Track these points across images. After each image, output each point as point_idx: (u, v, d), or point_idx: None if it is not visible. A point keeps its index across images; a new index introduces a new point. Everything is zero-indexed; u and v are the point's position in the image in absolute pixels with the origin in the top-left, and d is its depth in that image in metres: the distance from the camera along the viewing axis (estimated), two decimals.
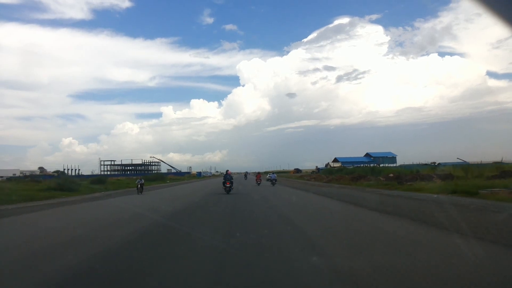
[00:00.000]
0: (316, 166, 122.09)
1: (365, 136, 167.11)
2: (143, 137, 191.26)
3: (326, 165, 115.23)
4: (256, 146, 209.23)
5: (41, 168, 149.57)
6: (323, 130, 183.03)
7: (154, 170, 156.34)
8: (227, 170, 29.69)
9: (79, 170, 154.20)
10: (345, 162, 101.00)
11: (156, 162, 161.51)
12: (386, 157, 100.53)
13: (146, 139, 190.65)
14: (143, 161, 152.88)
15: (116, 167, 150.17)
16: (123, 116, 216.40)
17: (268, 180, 44.42)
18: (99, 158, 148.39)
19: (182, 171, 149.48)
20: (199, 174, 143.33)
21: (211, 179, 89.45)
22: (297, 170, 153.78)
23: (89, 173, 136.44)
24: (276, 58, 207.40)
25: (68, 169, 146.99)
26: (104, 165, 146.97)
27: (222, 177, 29.04)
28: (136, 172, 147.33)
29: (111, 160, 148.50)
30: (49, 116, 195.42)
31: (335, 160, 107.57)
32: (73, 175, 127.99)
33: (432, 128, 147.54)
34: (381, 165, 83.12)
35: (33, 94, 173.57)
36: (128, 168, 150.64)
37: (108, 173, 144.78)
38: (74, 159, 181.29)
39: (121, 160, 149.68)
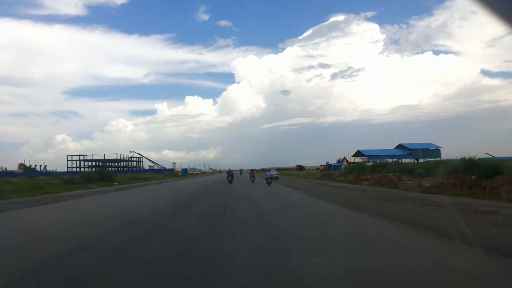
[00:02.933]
0: (327, 162, 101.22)
1: (360, 133, 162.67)
2: (137, 134, 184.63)
3: (341, 160, 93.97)
4: (251, 144, 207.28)
5: (21, 165, 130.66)
6: (318, 128, 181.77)
7: (135, 167, 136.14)
8: (230, 168, 38.73)
9: (45, 166, 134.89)
10: (373, 156, 79.13)
11: (137, 157, 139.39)
12: (428, 149, 79.00)
13: (140, 136, 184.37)
14: (120, 156, 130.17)
15: (87, 163, 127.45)
16: (117, 113, 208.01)
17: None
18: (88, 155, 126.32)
19: (167, 167, 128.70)
20: (184, 172, 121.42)
21: (198, 178, 68.02)
22: (300, 167, 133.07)
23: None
24: (271, 55, 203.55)
25: (36, 166, 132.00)
26: (72, 160, 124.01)
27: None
28: (110, 168, 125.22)
29: (79, 155, 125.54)
30: (43, 113, 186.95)
31: (358, 153, 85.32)
32: (38, 172, 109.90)
33: (426, 126, 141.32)
34: (421, 160, 62.11)
35: (27, 91, 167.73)
36: (100, 164, 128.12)
37: (77, 169, 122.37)
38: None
39: (92, 155, 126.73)
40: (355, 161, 76.81)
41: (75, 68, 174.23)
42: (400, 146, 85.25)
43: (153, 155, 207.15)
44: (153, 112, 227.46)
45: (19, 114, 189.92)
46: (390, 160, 65.82)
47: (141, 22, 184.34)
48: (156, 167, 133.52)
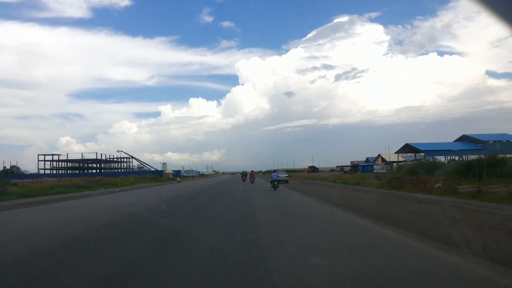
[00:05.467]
0: (353, 161, 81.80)
1: (364, 135, 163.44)
2: (141, 136, 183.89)
3: (373, 159, 74.37)
4: (255, 145, 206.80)
5: (14, 167, 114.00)
6: (323, 129, 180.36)
7: (123, 169, 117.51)
8: (243, 170, 50.20)
9: (18, 168, 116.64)
10: (430, 151, 58.34)
11: (125, 158, 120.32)
12: (508, 141, 58.26)
13: (144, 138, 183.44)
14: (105, 157, 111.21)
15: (60, 164, 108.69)
16: (122, 115, 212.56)
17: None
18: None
19: (159, 169, 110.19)
20: (176, 174, 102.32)
21: (170, 186, 49.01)
22: (313, 169, 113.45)
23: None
24: (275, 57, 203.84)
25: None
26: (45, 161, 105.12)
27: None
28: (85, 171, 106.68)
29: (52, 155, 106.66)
30: (47, 115, 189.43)
31: (406, 148, 63.12)
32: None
33: (430, 128, 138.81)
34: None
35: (31, 93, 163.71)
36: (76, 165, 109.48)
37: (49, 171, 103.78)
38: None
39: (67, 155, 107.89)
40: (400, 160, 57.22)
41: (80, 70, 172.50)
42: (464, 138, 63.90)
43: (157, 157, 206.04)
44: (157, 114, 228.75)
45: (23, 116, 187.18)
46: (448, 158, 46.35)
47: (145, 24, 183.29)
48: (145, 168, 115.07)
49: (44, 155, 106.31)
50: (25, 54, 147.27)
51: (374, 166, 70.36)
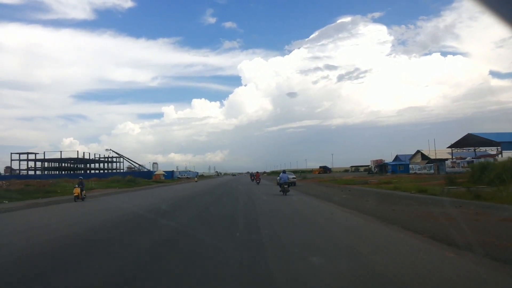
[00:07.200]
0: (379, 160, 68.83)
1: (368, 136, 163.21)
2: (144, 137, 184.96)
3: (408, 157, 61.09)
4: (258, 146, 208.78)
5: (8, 168, 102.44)
6: (325, 130, 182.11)
7: (114, 169, 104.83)
8: (251, 172, 55.04)
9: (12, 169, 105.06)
10: (506, 142, 44.11)
11: (115, 157, 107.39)
12: None
13: (147, 139, 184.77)
14: (83, 155, 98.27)
15: (53, 164, 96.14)
16: (125, 116, 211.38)
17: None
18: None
19: (151, 170, 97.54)
20: (169, 176, 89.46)
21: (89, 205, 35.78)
22: (325, 169, 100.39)
23: None
24: (277, 57, 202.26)
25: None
26: (20, 160, 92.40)
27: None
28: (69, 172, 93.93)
29: (27, 153, 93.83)
30: (51, 117, 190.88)
31: (467, 140, 48.41)
32: None
33: (434, 128, 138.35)
34: None
35: (35, 95, 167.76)
36: (56, 165, 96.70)
37: (25, 172, 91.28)
38: None
39: (44, 153, 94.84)
40: (454, 158, 43.57)
41: (83, 72, 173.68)
42: None
43: (160, 158, 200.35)
44: (160, 115, 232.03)
45: (27, 118, 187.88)
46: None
47: (148, 26, 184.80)
48: (135, 168, 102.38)
49: (19, 153, 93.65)
50: (29, 56, 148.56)
51: (411, 166, 57.38)
